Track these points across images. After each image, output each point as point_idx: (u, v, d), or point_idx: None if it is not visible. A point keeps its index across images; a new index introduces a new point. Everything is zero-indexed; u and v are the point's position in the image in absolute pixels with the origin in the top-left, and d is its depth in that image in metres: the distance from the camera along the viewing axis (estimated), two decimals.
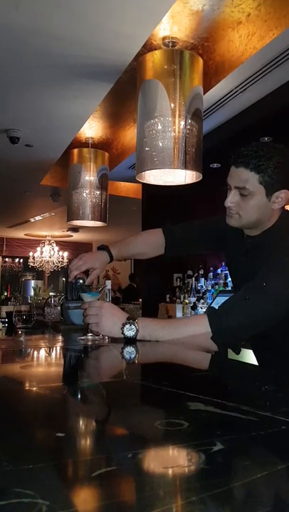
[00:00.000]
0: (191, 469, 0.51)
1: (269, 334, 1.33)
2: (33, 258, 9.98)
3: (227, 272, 4.13)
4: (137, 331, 1.28)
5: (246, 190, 1.24)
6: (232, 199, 1.28)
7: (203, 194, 4.13)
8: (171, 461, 0.55)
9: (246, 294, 1.22)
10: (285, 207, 1.33)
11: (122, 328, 1.29)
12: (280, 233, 1.29)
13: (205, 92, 2.82)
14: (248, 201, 1.25)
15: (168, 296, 5.09)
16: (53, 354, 1.54)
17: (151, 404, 0.82)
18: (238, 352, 1.31)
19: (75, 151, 4.14)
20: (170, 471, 0.50)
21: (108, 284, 2.23)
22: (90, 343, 1.62)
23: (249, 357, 2.92)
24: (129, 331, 1.28)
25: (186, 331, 1.28)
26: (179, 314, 4.57)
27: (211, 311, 1.26)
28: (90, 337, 1.65)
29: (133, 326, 1.28)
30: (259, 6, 2.46)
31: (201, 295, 4.30)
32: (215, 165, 4.39)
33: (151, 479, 0.49)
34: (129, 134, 4.37)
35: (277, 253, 1.24)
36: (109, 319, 1.32)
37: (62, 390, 0.95)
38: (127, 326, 1.28)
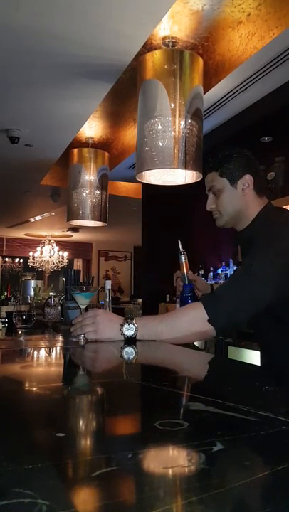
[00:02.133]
0: (191, 469, 0.51)
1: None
2: (33, 258, 9.97)
3: (227, 271, 4.13)
4: (136, 329, 1.28)
5: (214, 187, 1.40)
6: (209, 202, 1.45)
7: (203, 194, 4.12)
8: (171, 461, 0.55)
9: (235, 277, 1.28)
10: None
11: (121, 328, 1.29)
12: (264, 223, 1.34)
13: (205, 92, 2.82)
14: (220, 197, 1.39)
15: (168, 296, 5.09)
16: (53, 354, 1.54)
17: (151, 404, 0.82)
18: (235, 336, 1.35)
19: (75, 151, 4.14)
20: (170, 472, 0.50)
21: (108, 284, 2.23)
22: (82, 342, 1.62)
23: (249, 357, 2.92)
24: (129, 330, 1.29)
25: (184, 322, 1.28)
26: None
27: (205, 298, 1.28)
28: (81, 337, 1.66)
29: (132, 325, 1.28)
30: (259, 5, 2.46)
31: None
32: None
33: (151, 479, 0.49)
34: (129, 134, 4.37)
35: (264, 236, 1.29)
36: (106, 324, 1.33)
37: (62, 390, 0.95)
38: (126, 325, 1.29)
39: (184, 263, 1.61)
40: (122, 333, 1.30)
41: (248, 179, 1.36)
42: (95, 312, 1.38)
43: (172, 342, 1.31)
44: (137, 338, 1.30)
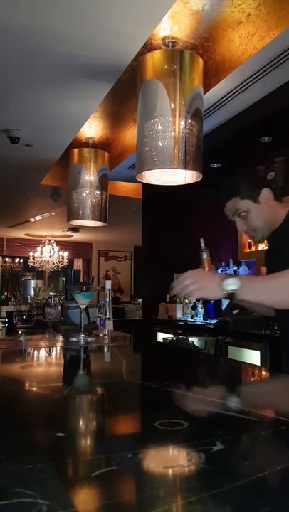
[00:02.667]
0: (191, 469, 0.51)
1: None
2: (33, 258, 9.96)
3: (227, 271, 4.13)
4: (240, 285, 1.19)
5: (240, 210, 1.48)
6: (239, 226, 1.51)
7: (203, 194, 4.13)
8: (171, 461, 0.55)
9: None
10: None
11: (222, 283, 1.20)
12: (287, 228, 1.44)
13: (205, 92, 2.81)
14: (249, 217, 1.48)
15: (168, 296, 5.09)
16: (53, 354, 1.54)
17: (151, 404, 0.82)
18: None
19: (75, 151, 4.14)
20: (170, 471, 0.50)
21: (108, 284, 2.24)
22: (82, 342, 1.62)
23: (249, 357, 2.93)
24: (231, 285, 1.19)
25: (286, 281, 1.21)
26: (179, 314, 4.57)
27: None
28: (82, 337, 1.66)
29: (236, 280, 1.20)
30: (259, 6, 2.46)
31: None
32: (215, 165, 4.39)
33: (152, 479, 0.49)
34: (129, 134, 4.37)
35: None
36: (208, 279, 1.27)
37: (62, 390, 0.95)
38: (229, 280, 1.20)
39: (205, 260, 1.62)
40: (224, 289, 1.20)
41: (265, 193, 1.49)
42: (195, 270, 1.31)
43: (276, 305, 1.27)
44: (240, 296, 1.20)
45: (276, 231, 1.48)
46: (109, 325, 2.21)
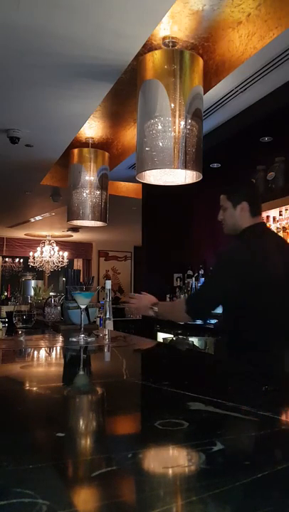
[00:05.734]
0: (191, 469, 0.51)
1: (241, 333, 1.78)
2: (33, 258, 9.96)
3: None
4: (156, 310, 2.00)
5: (223, 206, 1.96)
6: (219, 214, 1.98)
7: (203, 194, 4.13)
8: (171, 461, 0.55)
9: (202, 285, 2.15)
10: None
11: (149, 309, 2.02)
12: (236, 240, 1.93)
13: (205, 92, 2.81)
14: (225, 213, 1.95)
15: (168, 296, 5.09)
16: (53, 354, 1.54)
17: (151, 404, 0.82)
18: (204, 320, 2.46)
19: (75, 151, 4.13)
20: (170, 471, 0.50)
21: (108, 284, 2.25)
22: (82, 342, 1.62)
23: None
24: (153, 310, 2.01)
25: (173, 308, 2.17)
26: None
27: (186, 297, 2.06)
28: (82, 337, 1.66)
29: (156, 307, 2.02)
30: (259, 6, 2.46)
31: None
32: (215, 165, 4.39)
33: (152, 479, 0.49)
34: (129, 134, 4.37)
35: (220, 257, 2.02)
36: (144, 303, 2.07)
37: (62, 390, 0.95)
38: (153, 307, 2.02)
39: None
40: (150, 312, 2.01)
41: (243, 205, 1.89)
42: (138, 295, 2.11)
43: (176, 321, 2.18)
44: (158, 316, 2.06)
45: (242, 232, 1.89)
46: (110, 325, 2.22)
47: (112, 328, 2.23)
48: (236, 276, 1.75)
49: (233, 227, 1.92)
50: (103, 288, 2.27)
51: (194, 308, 1.86)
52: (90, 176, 4.04)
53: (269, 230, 1.98)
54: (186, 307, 1.84)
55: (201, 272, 4.51)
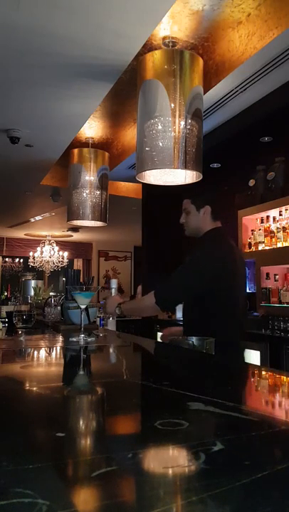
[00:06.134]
0: (191, 469, 0.51)
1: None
2: (33, 258, 9.96)
3: None
4: (121, 309, 2.08)
5: (186, 209, 2.09)
6: (181, 218, 2.12)
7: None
8: (171, 461, 0.55)
9: (169, 278, 2.01)
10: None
11: (116, 308, 2.09)
12: (200, 242, 2.05)
13: (205, 92, 2.81)
14: (188, 216, 2.08)
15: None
16: (53, 354, 1.54)
17: (151, 404, 0.82)
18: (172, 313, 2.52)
19: (75, 151, 4.13)
20: (170, 471, 0.50)
21: (114, 282, 2.30)
22: (82, 342, 1.62)
23: (249, 357, 2.92)
24: (118, 309, 2.08)
25: (142, 303, 2.12)
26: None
27: (156, 289, 1.97)
28: (82, 337, 1.66)
29: (120, 306, 2.09)
30: (259, 6, 2.46)
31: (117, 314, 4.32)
32: (215, 165, 4.39)
33: (152, 479, 0.49)
34: (129, 134, 4.37)
35: (191, 257, 2.00)
36: (110, 303, 2.13)
37: (62, 390, 0.95)
38: (118, 306, 2.09)
39: (114, 291, 2.38)
40: (116, 312, 2.08)
41: (206, 209, 2.03)
42: (109, 296, 2.19)
43: (142, 316, 2.27)
44: (124, 314, 2.11)
45: (198, 239, 2.06)
46: (112, 324, 2.23)
47: (115, 328, 2.25)
48: (205, 275, 1.93)
49: (196, 230, 2.06)
50: (103, 288, 2.29)
51: (162, 298, 1.96)
52: (90, 176, 4.04)
53: (226, 234, 2.13)
54: (156, 298, 1.94)
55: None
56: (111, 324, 2.24)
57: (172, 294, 2.00)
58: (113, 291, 2.25)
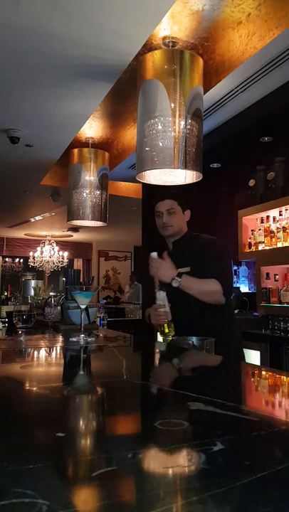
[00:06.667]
0: (191, 469, 0.51)
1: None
2: (33, 258, 9.96)
3: None
4: (181, 279, 1.87)
5: (173, 209, 2.06)
6: (165, 218, 2.08)
7: (203, 194, 4.13)
8: (171, 461, 0.55)
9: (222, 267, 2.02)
10: None
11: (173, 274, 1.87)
12: (189, 240, 2.09)
13: (205, 92, 2.81)
14: (174, 216, 2.06)
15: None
16: (53, 354, 1.54)
17: (151, 404, 0.82)
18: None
19: (75, 150, 4.13)
20: (170, 471, 0.50)
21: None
22: (82, 342, 1.62)
23: (249, 357, 2.93)
24: (177, 278, 1.86)
25: (207, 285, 1.92)
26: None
27: (217, 277, 1.90)
28: (82, 337, 1.66)
29: (180, 277, 1.87)
30: (259, 5, 2.46)
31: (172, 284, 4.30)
32: (215, 165, 4.39)
33: (152, 479, 0.49)
34: (129, 134, 4.36)
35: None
36: (166, 267, 1.91)
37: (62, 390, 0.95)
38: (177, 275, 1.87)
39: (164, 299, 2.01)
40: (172, 278, 1.87)
41: (188, 212, 2.10)
42: (157, 259, 1.94)
43: (200, 298, 1.89)
44: (180, 286, 1.87)
45: (179, 240, 2.10)
46: (164, 299, 1.87)
47: (170, 318, 1.86)
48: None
49: (179, 231, 2.09)
50: (104, 288, 2.26)
51: (229, 292, 1.99)
52: (90, 176, 4.04)
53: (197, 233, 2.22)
54: (224, 291, 1.91)
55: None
56: (163, 300, 1.86)
57: (231, 286, 2.07)
58: (155, 254, 1.96)
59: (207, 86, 2.91)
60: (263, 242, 3.77)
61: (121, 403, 0.82)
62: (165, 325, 1.83)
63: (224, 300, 1.93)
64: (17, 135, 3.74)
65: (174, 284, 1.86)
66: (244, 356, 2.14)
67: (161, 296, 1.86)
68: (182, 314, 1.89)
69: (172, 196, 2.10)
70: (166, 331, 1.83)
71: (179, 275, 1.87)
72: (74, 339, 1.68)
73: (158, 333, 2.02)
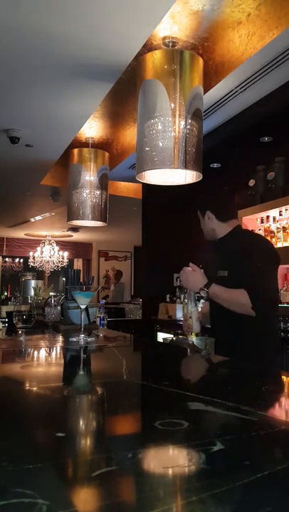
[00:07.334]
0: (191, 469, 0.51)
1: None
2: (33, 258, 9.96)
3: None
4: (209, 289, 1.87)
5: (199, 217, 2.13)
6: (201, 225, 2.13)
7: (202, 194, 4.12)
8: (171, 461, 0.55)
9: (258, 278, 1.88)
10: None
11: (202, 284, 1.88)
12: (230, 241, 2.01)
13: (205, 92, 2.81)
14: (201, 223, 2.13)
15: (168, 296, 5.09)
16: (53, 354, 1.54)
17: (151, 404, 0.82)
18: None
19: (75, 150, 4.13)
20: (170, 471, 0.50)
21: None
22: (82, 342, 1.62)
23: None
24: (205, 288, 1.87)
25: (236, 296, 1.82)
26: (179, 314, 4.58)
27: (248, 289, 1.79)
28: (82, 337, 1.66)
29: (208, 288, 1.87)
30: (259, 5, 2.46)
31: (200, 295, 4.30)
32: (215, 165, 4.39)
33: (152, 479, 0.49)
34: (129, 134, 4.36)
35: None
36: (196, 278, 1.92)
37: (62, 390, 0.95)
38: (206, 284, 1.87)
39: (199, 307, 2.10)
40: (201, 288, 1.88)
41: (208, 213, 2.06)
42: (187, 269, 1.97)
43: (229, 308, 1.83)
44: (209, 296, 1.89)
45: (221, 239, 2.04)
46: (196, 326, 1.88)
47: (199, 330, 1.92)
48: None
49: (210, 233, 2.09)
50: (103, 288, 2.25)
51: (260, 309, 1.78)
52: (90, 176, 4.04)
53: (246, 232, 2.13)
54: (252, 305, 1.76)
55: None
56: (191, 312, 1.88)
57: (271, 302, 1.88)
58: (190, 267, 1.97)
59: (207, 86, 2.91)
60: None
61: (121, 403, 0.82)
62: (189, 335, 1.83)
63: (254, 313, 1.76)
64: (17, 135, 3.74)
65: (202, 295, 1.89)
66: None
67: (190, 308, 1.90)
68: (222, 320, 1.92)
69: (197, 206, 2.16)
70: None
71: (208, 285, 1.87)
72: (74, 339, 1.68)
73: (157, 333, 2.03)
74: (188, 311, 1.88)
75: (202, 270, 1.96)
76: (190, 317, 1.87)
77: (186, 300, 1.94)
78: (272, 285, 1.94)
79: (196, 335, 1.84)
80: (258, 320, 1.79)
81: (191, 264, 1.98)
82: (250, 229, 3.99)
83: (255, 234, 2.09)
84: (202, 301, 1.96)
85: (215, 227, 2.05)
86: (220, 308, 1.88)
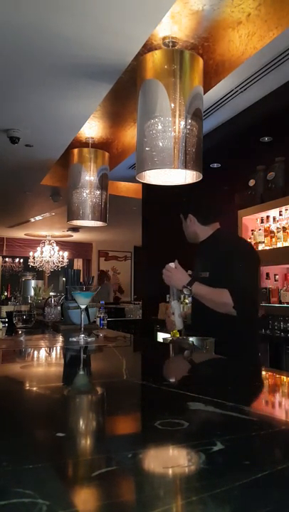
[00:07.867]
0: (191, 469, 0.51)
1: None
2: (33, 258, 9.96)
3: None
4: (192, 287, 1.88)
5: (181, 219, 2.18)
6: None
7: (203, 194, 4.12)
8: (171, 461, 0.55)
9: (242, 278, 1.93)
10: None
11: (185, 282, 1.90)
12: (212, 243, 2.05)
13: (205, 91, 2.81)
14: (183, 225, 2.19)
15: (168, 296, 5.08)
16: (53, 354, 1.54)
17: (151, 404, 0.82)
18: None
19: (75, 150, 4.13)
20: (170, 471, 0.50)
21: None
22: (82, 342, 1.62)
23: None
24: (188, 286, 1.88)
25: (219, 295, 1.84)
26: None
27: (230, 288, 1.81)
28: (82, 337, 1.66)
29: (191, 285, 1.88)
30: (259, 6, 2.46)
31: (184, 292, 4.30)
32: (215, 165, 4.39)
33: (152, 479, 0.49)
34: (129, 134, 4.36)
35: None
36: (179, 275, 1.95)
37: (62, 390, 0.95)
38: (189, 282, 1.89)
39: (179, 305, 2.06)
40: (184, 285, 1.89)
41: (190, 216, 2.11)
42: (169, 266, 2.01)
43: (211, 306, 1.86)
44: (192, 294, 1.90)
45: (203, 242, 2.08)
46: (177, 308, 1.97)
47: (182, 327, 1.94)
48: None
49: (192, 236, 2.14)
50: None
51: (242, 309, 1.80)
52: (90, 176, 4.04)
53: (227, 234, 2.17)
54: (234, 304, 1.79)
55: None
56: (174, 308, 1.93)
57: (252, 303, 1.91)
58: (173, 264, 2.02)
59: (207, 86, 2.91)
60: (263, 242, 3.77)
61: (121, 403, 0.82)
62: (172, 332, 1.86)
63: (235, 313, 1.79)
64: (17, 135, 3.74)
65: (185, 292, 1.90)
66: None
67: (173, 304, 1.93)
68: (203, 317, 1.96)
69: (181, 209, 2.21)
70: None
71: (190, 283, 1.88)
72: (74, 339, 1.68)
73: (157, 333, 2.06)
74: (171, 307, 1.92)
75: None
76: (172, 313, 1.90)
77: (170, 298, 1.97)
78: (254, 285, 1.98)
79: (179, 332, 1.87)
80: (238, 319, 1.82)
81: (175, 261, 2.03)
82: (249, 229, 3.99)
83: (236, 236, 2.17)
84: (190, 299, 1.98)
85: (197, 230, 2.10)
86: (202, 307, 1.92)
